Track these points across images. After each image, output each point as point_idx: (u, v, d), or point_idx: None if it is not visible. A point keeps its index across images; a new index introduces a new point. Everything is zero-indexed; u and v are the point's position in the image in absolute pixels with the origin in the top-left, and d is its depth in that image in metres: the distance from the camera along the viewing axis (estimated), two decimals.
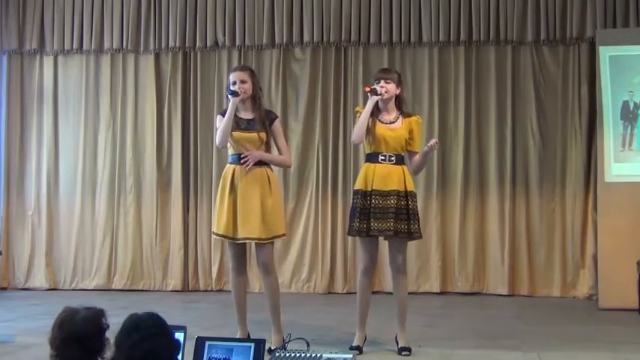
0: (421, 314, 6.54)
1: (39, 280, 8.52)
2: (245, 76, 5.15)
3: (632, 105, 7.31)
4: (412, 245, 7.97)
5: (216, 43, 8.43)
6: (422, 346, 5.24)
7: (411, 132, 5.15)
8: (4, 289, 8.46)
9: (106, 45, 8.57)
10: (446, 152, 8.17)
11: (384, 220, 5.00)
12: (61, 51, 8.64)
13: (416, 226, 5.09)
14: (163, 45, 8.48)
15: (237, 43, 8.38)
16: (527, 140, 8.08)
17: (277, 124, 5.22)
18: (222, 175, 5.17)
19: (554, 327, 6.26)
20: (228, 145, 5.12)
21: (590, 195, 7.82)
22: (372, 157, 5.12)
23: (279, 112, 7.63)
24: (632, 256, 6.88)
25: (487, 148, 8.14)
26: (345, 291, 8.11)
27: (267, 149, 5.18)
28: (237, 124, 5.07)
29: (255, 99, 5.15)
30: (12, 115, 8.70)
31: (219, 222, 5.08)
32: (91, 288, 8.40)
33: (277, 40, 8.33)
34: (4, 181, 8.67)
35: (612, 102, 7.32)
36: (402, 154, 5.16)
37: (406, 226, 5.05)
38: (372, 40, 8.21)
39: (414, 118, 5.23)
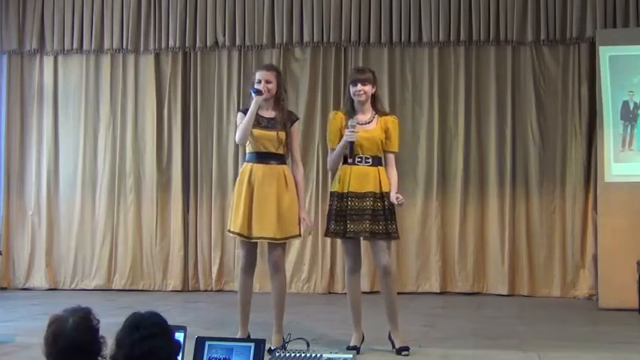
0: (421, 314, 6.54)
1: (39, 280, 8.52)
2: (271, 76, 5.15)
3: (632, 105, 7.31)
4: (412, 245, 8.04)
5: (216, 43, 8.43)
6: (422, 346, 5.24)
7: (386, 131, 5.14)
8: (4, 289, 8.47)
9: (106, 45, 8.58)
10: (446, 152, 8.17)
11: (360, 221, 5.00)
12: (61, 51, 8.64)
13: (393, 226, 5.08)
14: (163, 45, 8.48)
15: (237, 43, 8.38)
16: (527, 140, 8.08)
17: (296, 126, 5.23)
18: (240, 173, 5.19)
19: (554, 327, 6.26)
20: (247, 142, 5.13)
21: (590, 195, 7.82)
22: (348, 160, 5.11)
23: None
24: (632, 256, 6.88)
25: (487, 148, 8.14)
26: (345, 291, 8.04)
27: (286, 149, 5.18)
28: (258, 122, 5.08)
29: (278, 99, 5.17)
30: (12, 115, 8.71)
31: (235, 220, 5.07)
32: (91, 288, 8.40)
33: (277, 40, 8.34)
34: (4, 181, 8.67)
35: (612, 102, 7.32)
36: (379, 155, 5.15)
37: (384, 227, 5.03)
38: (372, 40, 8.21)
39: (389, 118, 5.23)
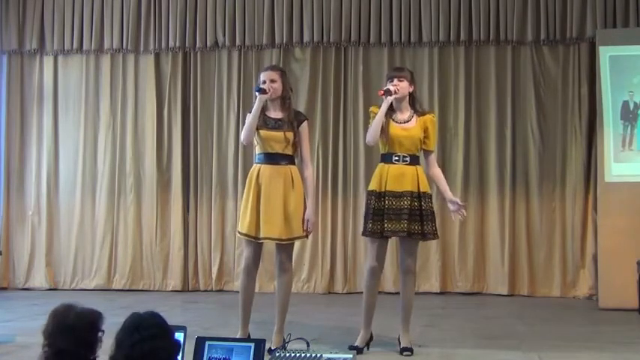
0: (421, 314, 6.52)
1: (39, 280, 8.52)
2: (275, 75, 5.14)
3: (632, 105, 7.32)
4: None
5: (216, 43, 8.43)
6: (422, 346, 5.24)
7: (426, 130, 5.14)
8: (4, 289, 8.47)
9: (106, 45, 8.58)
10: (446, 152, 8.17)
11: (397, 221, 4.99)
12: (61, 51, 8.64)
13: (430, 226, 5.08)
14: (163, 45, 8.48)
15: (237, 43, 8.38)
16: (527, 140, 8.08)
17: (305, 126, 5.18)
18: (249, 174, 5.16)
19: (554, 327, 6.26)
20: (255, 143, 5.12)
21: (590, 195, 7.83)
22: (386, 158, 5.11)
23: None
24: (632, 256, 6.88)
25: (487, 148, 8.14)
26: (345, 291, 8.11)
27: (295, 150, 5.15)
28: (265, 122, 5.07)
29: (284, 99, 5.15)
30: (12, 115, 8.71)
31: (243, 221, 5.07)
32: (91, 288, 8.39)
33: (277, 40, 8.34)
34: (4, 181, 8.67)
35: (612, 102, 7.32)
36: (417, 154, 5.15)
37: (419, 227, 5.04)
38: (372, 40, 8.21)
39: (428, 117, 5.21)
